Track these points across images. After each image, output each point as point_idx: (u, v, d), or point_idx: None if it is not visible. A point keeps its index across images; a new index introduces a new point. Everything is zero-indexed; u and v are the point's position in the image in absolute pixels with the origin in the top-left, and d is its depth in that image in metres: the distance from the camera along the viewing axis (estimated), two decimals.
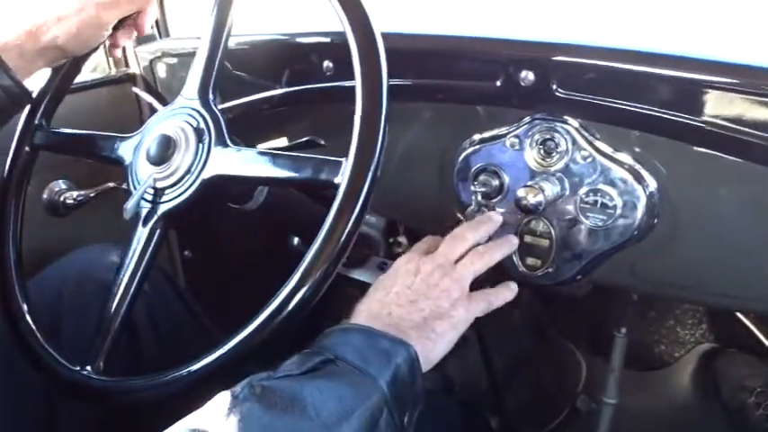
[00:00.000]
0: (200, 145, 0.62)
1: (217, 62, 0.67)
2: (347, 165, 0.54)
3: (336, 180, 0.54)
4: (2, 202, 0.72)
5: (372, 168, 0.53)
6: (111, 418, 0.76)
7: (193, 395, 0.49)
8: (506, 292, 0.65)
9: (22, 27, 0.65)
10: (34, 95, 0.72)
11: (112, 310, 0.61)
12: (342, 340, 0.52)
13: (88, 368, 0.60)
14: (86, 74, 1.00)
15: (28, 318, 0.66)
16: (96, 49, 0.72)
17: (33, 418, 0.72)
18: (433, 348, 0.56)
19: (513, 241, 0.69)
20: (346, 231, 0.52)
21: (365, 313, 0.58)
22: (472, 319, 0.61)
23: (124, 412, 0.77)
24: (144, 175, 0.64)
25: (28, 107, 0.73)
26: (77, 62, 0.75)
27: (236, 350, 0.52)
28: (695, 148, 0.61)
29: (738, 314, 1.12)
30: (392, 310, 0.58)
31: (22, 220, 0.72)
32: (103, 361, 0.60)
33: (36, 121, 0.74)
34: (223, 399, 0.45)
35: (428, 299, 0.59)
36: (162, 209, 0.62)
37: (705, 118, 0.59)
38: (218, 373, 0.53)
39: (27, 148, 0.74)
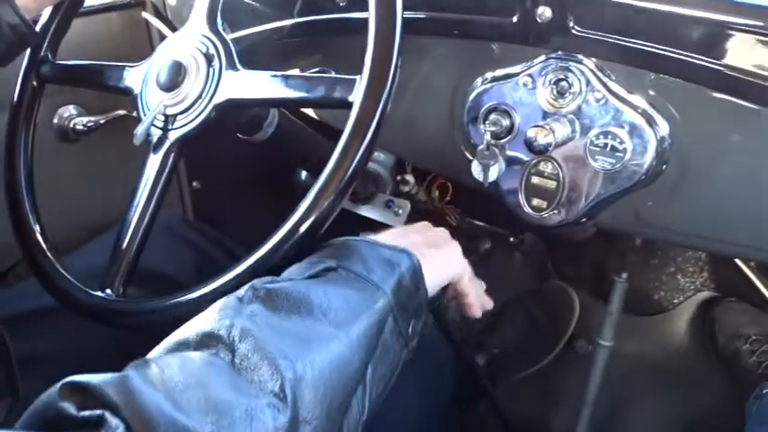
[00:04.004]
0: (211, 69, 0.62)
1: None
2: (361, 82, 0.53)
3: (350, 98, 0.54)
4: (11, 135, 0.72)
5: (388, 86, 0.53)
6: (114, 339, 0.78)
7: None
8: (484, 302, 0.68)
9: None
10: (38, 28, 0.71)
11: (128, 237, 0.62)
12: (343, 250, 0.52)
13: (108, 291, 0.61)
14: None
15: (40, 239, 0.67)
16: None
17: (38, 329, 0.73)
18: (428, 266, 0.55)
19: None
20: (361, 150, 0.52)
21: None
22: (464, 264, 0.62)
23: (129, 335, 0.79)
24: (154, 101, 0.64)
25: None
26: None
27: (243, 275, 0.53)
28: (712, 93, 0.61)
29: (740, 263, 1.13)
30: (382, 238, 0.58)
31: (32, 150, 0.72)
32: (122, 285, 0.61)
33: (41, 54, 0.73)
34: (227, 302, 0.45)
35: (418, 234, 0.61)
36: (174, 135, 0.62)
37: (726, 62, 0.58)
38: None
39: (34, 83, 0.73)
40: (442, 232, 0.63)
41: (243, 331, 0.41)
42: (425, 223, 0.64)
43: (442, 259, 0.59)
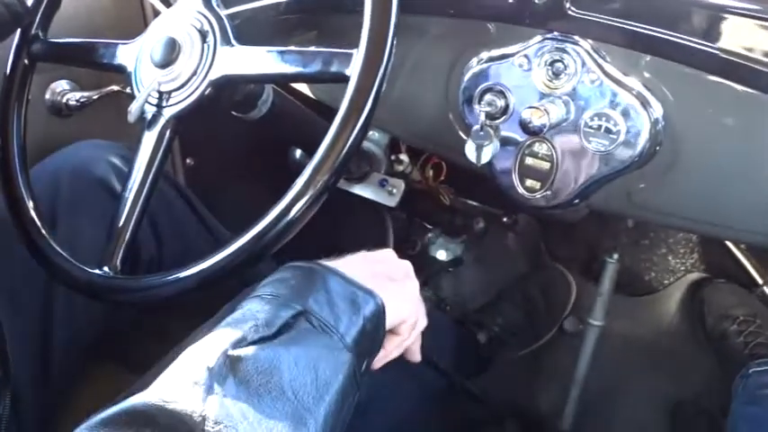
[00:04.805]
0: (205, 46, 0.61)
1: None
2: (358, 55, 0.53)
3: (347, 72, 0.54)
4: (3, 113, 0.71)
5: (384, 59, 0.53)
6: (109, 314, 0.79)
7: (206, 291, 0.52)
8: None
9: None
10: (29, 3, 0.70)
11: (124, 216, 0.62)
12: (311, 285, 0.51)
13: (105, 268, 0.61)
14: None
15: (34, 216, 0.67)
16: None
17: (29, 305, 0.73)
18: (386, 302, 0.54)
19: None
20: (359, 124, 0.52)
21: (326, 262, 0.55)
22: (418, 307, 0.59)
23: (117, 311, 0.79)
24: (148, 79, 0.63)
25: None
26: None
27: (239, 251, 0.54)
28: (707, 76, 0.61)
29: (730, 245, 1.15)
30: (347, 267, 0.56)
31: (25, 127, 0.72)
32: (120, 262, 0.61)
33: (32, 32, 0.72)
34: (198, 372, 0.42)
35: (381, 264, 0.59)
36: (169, 112, 0.62)
37: (721, 45, 0.58)
38: (228, 273, 0.54)
39: (25, 61, 0.72)
40: (405, 266, 0.61)
41: (216, 424, 0.39)
42: (390, 252, 0.62)
43: (400, 297, 0.57)
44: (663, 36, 0.60)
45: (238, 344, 0.44)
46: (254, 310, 0.48)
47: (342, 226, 1.33)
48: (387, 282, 0.56)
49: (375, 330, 0.52)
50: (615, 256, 1.05)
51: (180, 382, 0.41)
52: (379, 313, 0.52)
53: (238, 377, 0.42)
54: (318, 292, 0.50)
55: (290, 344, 0.46)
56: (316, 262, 0.54)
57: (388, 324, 0.55)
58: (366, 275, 0.54)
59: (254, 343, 0.45)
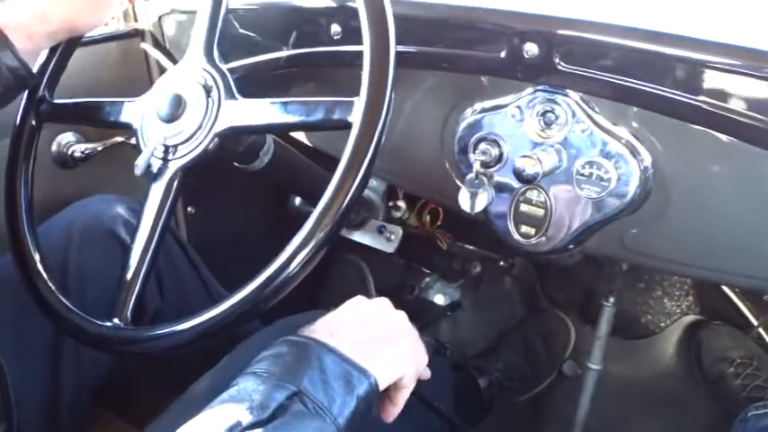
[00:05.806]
0: (210, 100, 0.63)
1: (220, 20, 0.68)
2: (359, 103, 0.55)
3: (350, 119, 0.55)
4: (11, 172, 0.72)
5: (385, 106, 0.55)
6: (113, 365, 0.79)
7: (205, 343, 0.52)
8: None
9: (31, 10, 0.66)
10: (35, 69, 0.72)
11: (133, 268, 0.63)
12: (305, 364, 0.50)
13: (116, 320, 0.62)
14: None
15: (41, 269, 0.67)
16: None
17: (39, 354, 0.74)
18: (377, 368, 0.53)
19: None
20: (363, 168, 0.54)
21: (321, 330, 0.55)
22: (412, 362, 0.58)
23: (125, 363, 0.79)
24: (154, 133, 0.65)
25: None
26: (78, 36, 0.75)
27: (242, 305, 0.54)
28: (692, 125, 0.63)
29: (724, 288, 1.16)
30: (343, 331, 0.56)
31: (32, 184, 0.73)
32: (130, 314, 0.62)
33: (39, 94, 0.74)
34: None
35: (373, 322, 0.58)
36: (175, 165, 0.64)
37: (703, 97, 0.60)
38: (228, 325, 0.55)
39: (33, 122, 0.74)
40: (399, 321, 0.60)
41: None
42: (383, 303, 0.61)
43: (397, 359, 0.57)
44: (649, 89, 0.62)
45: (232, 430, 0.44)
46: (249, 389, 0.48)
47: (326, 272, 1.33)
48: (382, 346, 0.56)
49: (367, 409, 0.52)
50: (611, 299, 1.06)
51: None
52: (373, 392, 0.52)
53: None
54: (313, 370, 0.50)
55: (284, 430, 0.46)
56: (311, 337, 0.53)
57: (391, 381, 0.55)
58: (359, 344, 0.54)
59: (248, 428, 0.45)
